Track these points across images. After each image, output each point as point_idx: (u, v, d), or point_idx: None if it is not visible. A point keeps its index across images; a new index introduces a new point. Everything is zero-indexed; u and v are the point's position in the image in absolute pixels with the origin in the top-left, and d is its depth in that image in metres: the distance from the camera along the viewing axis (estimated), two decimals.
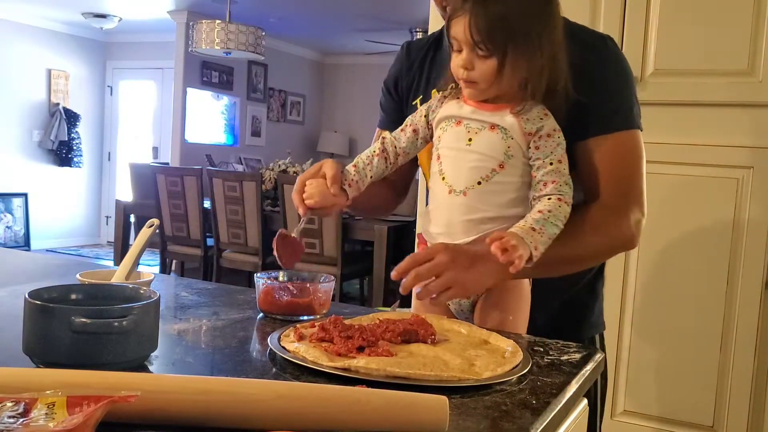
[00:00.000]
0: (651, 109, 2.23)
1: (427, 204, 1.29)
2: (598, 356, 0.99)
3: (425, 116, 1.16)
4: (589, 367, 0.93)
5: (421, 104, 1.33)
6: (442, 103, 1.15)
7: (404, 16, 6.22)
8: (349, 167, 1.16)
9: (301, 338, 0.92)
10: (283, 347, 0.89)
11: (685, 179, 2.11)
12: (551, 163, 1.06)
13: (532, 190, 1.09)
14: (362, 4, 6.07)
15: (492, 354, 0.90)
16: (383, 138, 1.18)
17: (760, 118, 2.03)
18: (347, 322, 0.95)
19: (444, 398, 0.67)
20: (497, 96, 1.08)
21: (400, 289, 1.03)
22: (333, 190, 1.10)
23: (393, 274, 1.03)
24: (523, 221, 1.04)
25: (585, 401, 0.94)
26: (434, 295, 1.03)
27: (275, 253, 1.13)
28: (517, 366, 0.86)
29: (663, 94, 2.11)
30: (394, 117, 1.39)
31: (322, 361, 0.83)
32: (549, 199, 1.06)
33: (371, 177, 1.15)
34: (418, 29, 6.40)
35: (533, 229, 1.02)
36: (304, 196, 1.11)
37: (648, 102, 2.16)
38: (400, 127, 1.19)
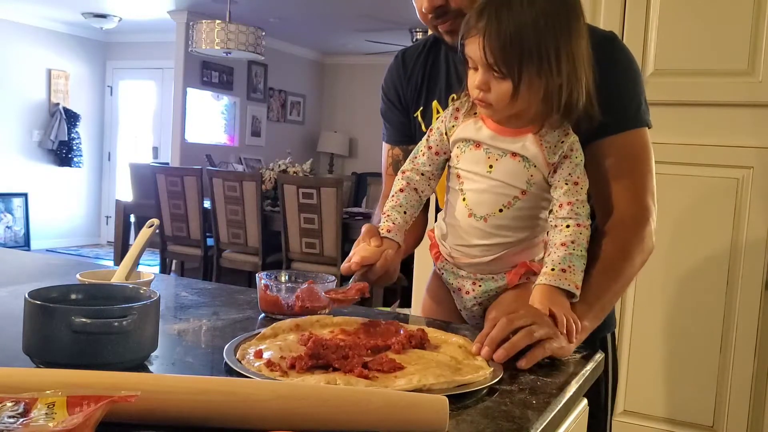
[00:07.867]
0: (651, 109, 2.22)
1: (438, 209, 1.28)
2: (598, 356, 0.99)
3: (444, 133, 1.13)
4: (589, 367, 0.94)
5: (421, 116, 1.31)
6: (456, 118, 1.12)
7: (404, 16, 6.20)
8: (382, 218, 1.14)
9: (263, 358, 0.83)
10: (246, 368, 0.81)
11: (685, 179, 2.11)
12: (566, 183, 1.06)
13: (550, 211, 1.09)
14: (362, 4, 6.07)
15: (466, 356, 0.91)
16: (402, 173, 1.16)
17: (760, 118, 2.03)
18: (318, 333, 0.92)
19: (444, 398, 0.67)
20: (514, 115, 1.06)
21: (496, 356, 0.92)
22: (374, 243, 1.09)
23: (482, 352, 0.90)
24: (550, 264, 1.03)
25: (585, 401, 0.94)
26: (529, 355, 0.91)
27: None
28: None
29: (663, 94, 2.10)
30: (402, 129, 1.37)
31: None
32: (567, 227, 1.06)
33: (407, 212, 1.13)
34: (418, 29, 6.40)
35: (564, 271, 1.02)
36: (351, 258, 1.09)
37: (648, 102, 2.15)
38: (418, 154, 1.16)
